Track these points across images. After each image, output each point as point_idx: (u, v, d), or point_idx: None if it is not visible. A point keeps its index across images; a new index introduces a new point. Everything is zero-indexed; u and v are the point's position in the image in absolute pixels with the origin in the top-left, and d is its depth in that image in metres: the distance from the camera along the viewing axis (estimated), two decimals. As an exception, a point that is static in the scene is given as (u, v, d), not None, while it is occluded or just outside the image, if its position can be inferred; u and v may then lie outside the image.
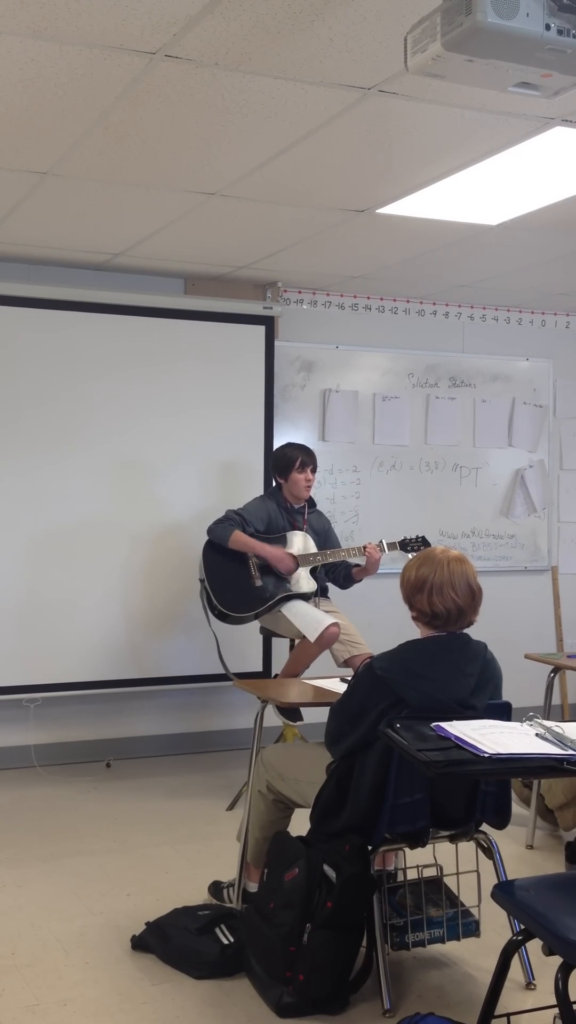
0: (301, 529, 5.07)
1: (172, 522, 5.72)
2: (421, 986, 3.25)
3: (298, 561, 4.94)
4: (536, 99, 2.53)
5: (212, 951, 3.27)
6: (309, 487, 5.08)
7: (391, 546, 5.05)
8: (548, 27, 2.18)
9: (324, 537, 5.18)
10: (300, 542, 5.03)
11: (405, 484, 6.38)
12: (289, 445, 5.16)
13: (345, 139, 3.55)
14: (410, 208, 4.36)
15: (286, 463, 5.06)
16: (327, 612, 4.93)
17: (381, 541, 5.05)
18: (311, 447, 5.17)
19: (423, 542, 5.05)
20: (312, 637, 4.74)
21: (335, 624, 4.76)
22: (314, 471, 5.08)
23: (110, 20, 2.70)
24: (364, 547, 4.99)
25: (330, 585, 5.24)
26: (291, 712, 4.73)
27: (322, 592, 5.13)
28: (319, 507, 5.32)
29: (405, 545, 5.05)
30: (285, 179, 4.00)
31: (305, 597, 4.97)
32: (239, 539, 4.90)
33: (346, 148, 3.64)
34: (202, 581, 5.02)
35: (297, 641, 5.00)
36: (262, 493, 5.44)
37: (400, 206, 4.34)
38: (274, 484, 5.22)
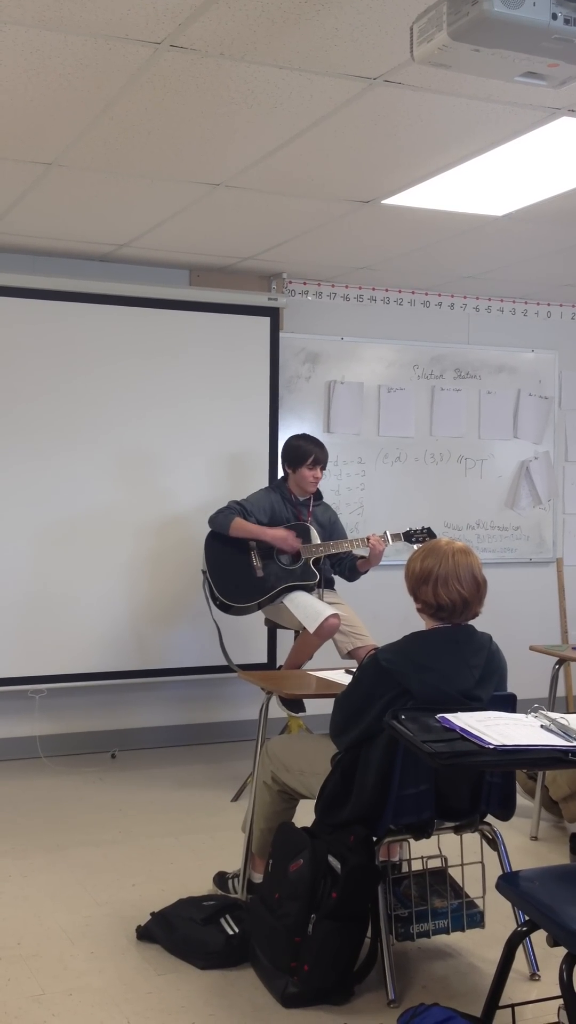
0: (306, 521, 5.07)
1: (176, 513, 5.72)
2: (425, 977, 3.26)
3: (281, 577, 4.93)
4: (542, 89, 2.52)
5: (217, 941, 3.28)
6: (316, 484, 5.08)
7: (395, 537, 5.04)
8: (555, 16, 2.17)
9: (330, 529, 5.18)
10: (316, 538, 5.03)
11: (410, 476, 6.37)
12: (305, 438, 5.13)
13: (350, 129, 3.54)
14: (415, 199, 4.35)
15: (299, 456, 5.04)
16: (331, 604, 4.93)
17: (385, 532, 5.04)
18: (316, 439, 5.17)
19: (428, 533, 5.00)
20: (311, 628, 4.74)
21: (335, 615, 4.75)
22: (323, 469, 5.08)
23: (115, 10, 2.69)
24: (368, 538, 4.99)
25: (336, 577, 5.24)
26: (294, 703, 4.73)
27: (327, 584, 5.12)
28: (325, 499, 5.32)
29: (410, 536, 5.03)
30: (290, 170, 3.99)
31: (308, 588, 4.97)
32: (240, 526, 4.90)
33: (351, 138, 3.63)
34: (204, 572, 5.03)
35: (299, 632, 5.00)
36: (267, 485, 5.43)
37: (405, 197, 4.33)
38: (281, 474, 5.21)
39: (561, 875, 2.78)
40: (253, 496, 5.09)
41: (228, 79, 3.12)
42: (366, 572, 5.14)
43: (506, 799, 3.23)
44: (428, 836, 3.20)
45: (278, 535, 4.90)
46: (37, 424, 5.45)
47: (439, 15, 2.21)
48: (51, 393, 5.48)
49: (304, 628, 4.81)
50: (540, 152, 3.77)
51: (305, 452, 5.03)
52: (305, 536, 5.01)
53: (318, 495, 5.21)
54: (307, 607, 4.84)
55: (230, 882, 3.83)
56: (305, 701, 4.75)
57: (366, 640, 4.88)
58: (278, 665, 5.72)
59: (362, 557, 5.08)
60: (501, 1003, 2.66)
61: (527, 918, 2.60)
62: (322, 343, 6.15)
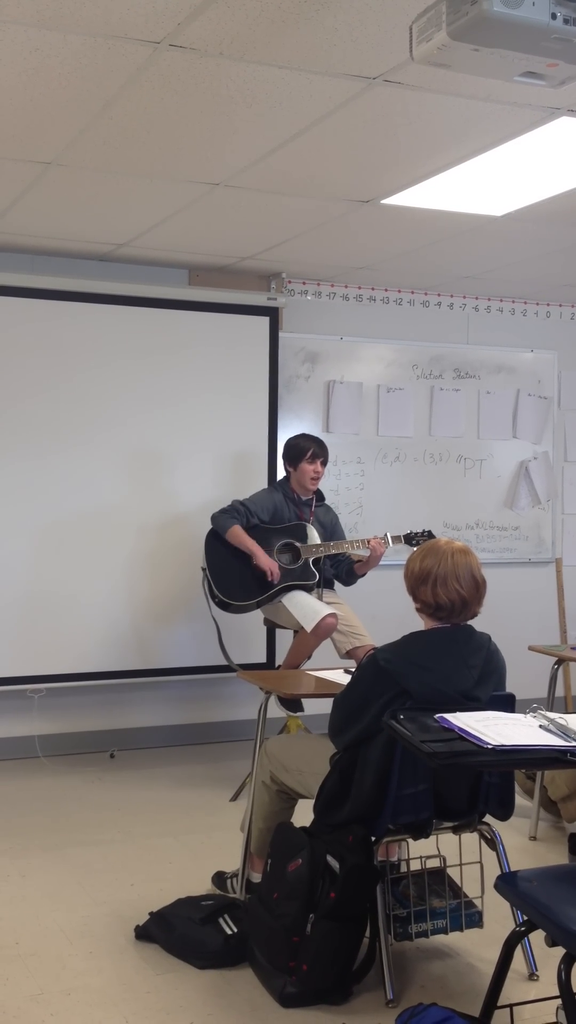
0: (307, 521, 5.08)
1: (175, 513, 5.72)
2: (424, 977, 3.26)
3: (280, 576, 4.93)
4: (542, 89, 2.52)
5: (216, 941, 3.28)
6: (316, 480, 5.09)
7: (396, 540, 5.04)
8: (554, 16, 2.17)
9: (331, 531, 5.18)
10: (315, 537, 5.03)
11: (409, 476, 6.37)
12: (304, 435, 5.18)
13: (350, 129, 3.54)
14: (415, 198, 4.35)
15: (298, 452, 5.06)
16: (330, 603, 4.93)
17: (386, 535, 5.04)
18: (315, 436, 5.17)
19: (429, 536, 5.00)
20: (308, 627, 4.75)
21: (332, 615, 4.76)
22: (324, 464, 5.09)
23: (114, 9, 2.69)
24: (368, 541, 4.99)
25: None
26: (292, 703, 4.73)
27: (327, 584, 5.12)
28: (326, 500, 5.32)
29: (411, 539, 5.03)
30: (290, 169, 3.99)
31: (307, 588, 4.97)
32: (236, 535, 4.91)
33: (351, 138, 3.63)
34: (204, 569, 5.03)
35: (298, 632, 5.00)
36: (266, 484, 5.43)
37: (405, 196, 4.33)
38: (284, 473, 5.22)
39: (560, 875, 2.78)
40: (256, 495, 5.10)
41: (227, 79, 3.12)
42: (363, 575, 5.15)
43: (504, 799, 3.23)
44: (427, 836, 3.20)
45: (264, 564, 4.88)
46: (35, 424, 5.45)
47: (438, 15, 2.21)
48: (50, 393, 5.48)
49: (302, 627, 4.81)
50: (539, 152, 3.77)
51: (304, 447, 5.05)
52: (301, 535, 5.02)
53: (320, 496, 5.22)
54: (305, 606, 4.84)
55: (228, 882, 3.83)
56: (304, 701, 4.75)
57: (364, 640, 4.88)
58: (277, 665, 5.72)
59: (359, 561, 5.09)
60: (499, 1003, 2.65)
61: (525, 918, 2.60)
62: (321, 343, 6.15)
